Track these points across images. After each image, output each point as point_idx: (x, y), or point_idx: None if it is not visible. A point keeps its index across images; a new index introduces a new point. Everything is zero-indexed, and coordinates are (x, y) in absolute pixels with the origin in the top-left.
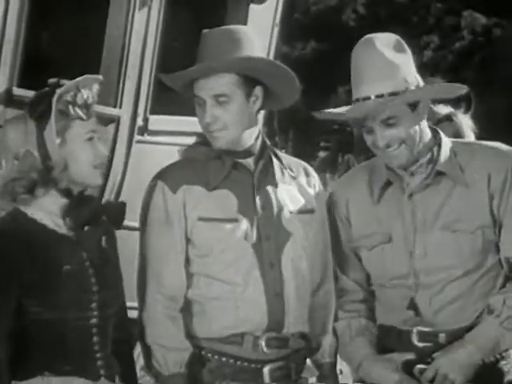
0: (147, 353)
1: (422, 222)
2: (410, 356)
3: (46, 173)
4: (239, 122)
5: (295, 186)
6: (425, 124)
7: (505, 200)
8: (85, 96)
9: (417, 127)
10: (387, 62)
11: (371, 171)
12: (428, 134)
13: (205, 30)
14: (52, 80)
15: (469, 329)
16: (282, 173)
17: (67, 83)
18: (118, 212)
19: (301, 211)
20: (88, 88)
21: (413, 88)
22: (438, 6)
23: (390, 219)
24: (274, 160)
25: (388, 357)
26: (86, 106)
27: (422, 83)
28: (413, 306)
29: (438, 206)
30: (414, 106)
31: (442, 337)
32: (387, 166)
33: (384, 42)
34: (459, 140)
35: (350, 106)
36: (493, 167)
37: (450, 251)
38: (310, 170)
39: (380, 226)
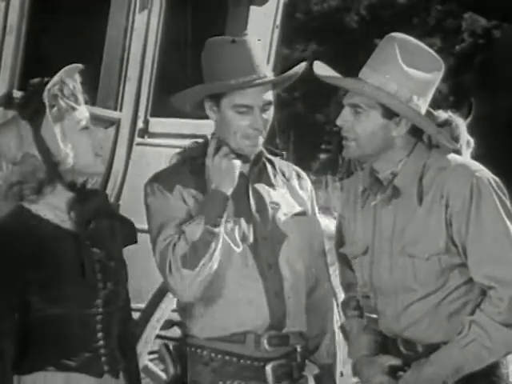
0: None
1: (387, 241)
2: (397, 361)
3: (52, 170)
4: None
5: (287, 189)
6: (399, 139)
7: (464, 226)
8: (71, 86)
9: (380, 134)
10: (396, 64)
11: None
12: (400, 148)
13: (225, 41)
14: (34, 80)
15: (447, 342)
16: (275, 177)
17: (53, 78)
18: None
19: (294, 213)
20: (71, 78)
21: (395, 97)
22: (438, 9)
23: (367, 231)
24: (267, 165)
25: (375, 359)
26: (73, 96)
27: (416, 105)
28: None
29: (401, 226)
30: (389, 114)
31: (419, 346)
32: (370, 173)
33: (409, 48)
34: (439, 155)
35: (347, 78)
36: (452, 190)
37: (409, 275)
38: (302, 173)
39: (362, 236)
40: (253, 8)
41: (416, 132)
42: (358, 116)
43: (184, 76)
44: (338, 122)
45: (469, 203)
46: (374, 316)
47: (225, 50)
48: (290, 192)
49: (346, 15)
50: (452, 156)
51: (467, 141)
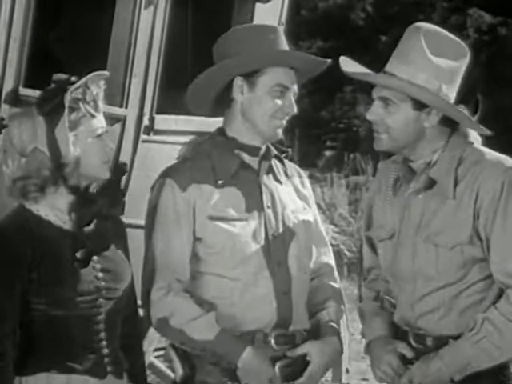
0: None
1: (413, 228)
2: (410, 353)
3: (58, 170)
4: None
5: (291, 187)
6: (430, 129)
7: (491, 220)
8: (94, 92)
9: (411, 126)
10: (423, 54)
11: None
12: (434, 138)
13: (261, 26)
14: (58, 76)
15: (457, 337)
16: (280, 173)
17: (80, 81)
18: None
19: (299, 211)
20: (96, 84)
21: (425, 89)
22: (443, 5)
23: (396, 217)
24: (275, 161)
25: (392, 341)
26: (94, 102)
27: (445, 94)
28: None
29: (430, 215)
30: (419, 106)
31: (429, 340)
32: (403, 162)
33: (434, 37)
34: (477, 147)
35: (374, 73)
36: (483, 183)
37: (430, 263)
38: (301, 171)
39: (389, 221)
40: (258, 5)
41: (450, 122)
42: (388, 109)
43: (190, 73)
44: (369, 116)
45: (498, 198)
46: (392, 300)
47: (262, 34)
48: (294, 189)
49: (351, 12)
50: (487, 150)
51: (475, 137)
